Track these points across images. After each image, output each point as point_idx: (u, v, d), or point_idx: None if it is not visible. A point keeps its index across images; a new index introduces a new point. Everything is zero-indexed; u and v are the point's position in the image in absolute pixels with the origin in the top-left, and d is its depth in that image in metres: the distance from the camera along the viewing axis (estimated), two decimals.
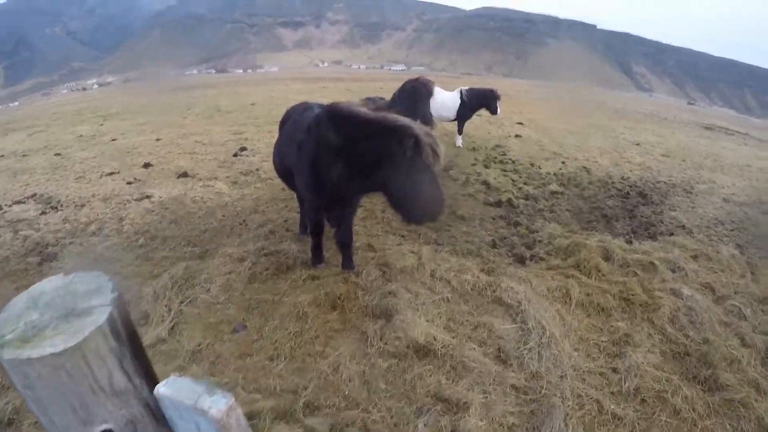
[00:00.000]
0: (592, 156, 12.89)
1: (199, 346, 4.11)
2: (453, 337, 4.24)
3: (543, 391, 3.68)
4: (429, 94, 8.18)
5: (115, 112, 22.81)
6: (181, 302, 4.76)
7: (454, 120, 12.43)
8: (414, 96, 8.03)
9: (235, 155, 11.39)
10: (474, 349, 4.08)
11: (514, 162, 11.41)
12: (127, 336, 1.24)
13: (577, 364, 4.05)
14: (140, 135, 15.06)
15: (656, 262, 5.96)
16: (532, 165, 11.22)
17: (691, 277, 5.78)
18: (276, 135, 5.89)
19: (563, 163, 11.68)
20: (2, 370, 1.10)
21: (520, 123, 18.00)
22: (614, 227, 7.53)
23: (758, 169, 13.92)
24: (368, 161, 3.93)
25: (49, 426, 1.19)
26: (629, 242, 6.83)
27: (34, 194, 8.66)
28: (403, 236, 6.54)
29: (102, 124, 18.65)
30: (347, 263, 5.40)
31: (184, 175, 9.57)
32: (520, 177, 10.11)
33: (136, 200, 8.06)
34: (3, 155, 13.19)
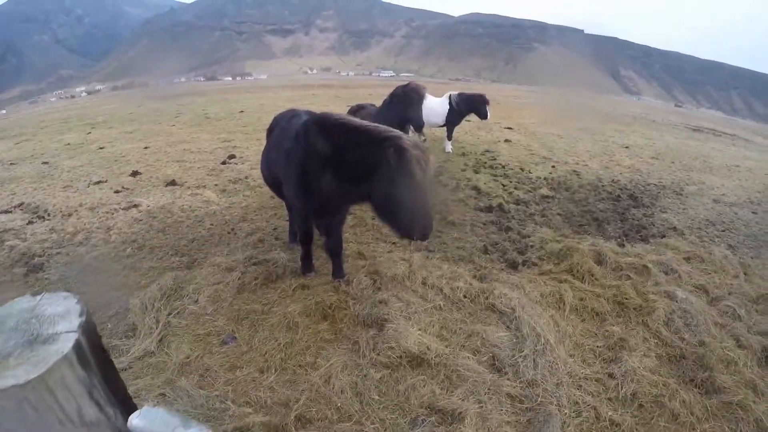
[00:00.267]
0: (581, 159, 12.90)
1: (188, 358, 4.02)
2: (446, 346, 4.17)
3: (539, 399, 3.61)
4: (420, 98, 8.14)
5: (102, 120, 22.66)
6: (169, 314, 4.67)
7: (444, 126, 12.43)
8: (405, 101, 7.98)
9: (224, 163, 11.31)
10: (468, 357, 4.01)
11: (504, 167, 11.40)
12: (97, 363, 1.15)
13: (573, 370, 4.00)
14: (128, 143, 14.93)
15: (649, 265, 5.93)
16: (522, 169, 11.21)
17: (684, 279, 5.77)
18: (264, 142, 5.82)
19: (553, 167, 11.69)
20: None
21: (509, 128, 18.05)
22: (606, 230, 7.50)
23: (746, 170, 14.02)
24: (355, 171, 3.87)
25: None
26: (621, 245, 6.81)
27: (21, 203, 8.52)
28: (393, 243, 6.47)
29: (90, 132, 18.48)
30: (337, 272, 5.33)
31: (173, 183, 9.48)
32: (511, 182, 10.08)
33: (123, 209, 7.96)
34: None
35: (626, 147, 15.95)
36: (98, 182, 9.84)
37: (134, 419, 1.19)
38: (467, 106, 12.32)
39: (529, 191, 9.45)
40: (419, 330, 4.30)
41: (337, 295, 4.95)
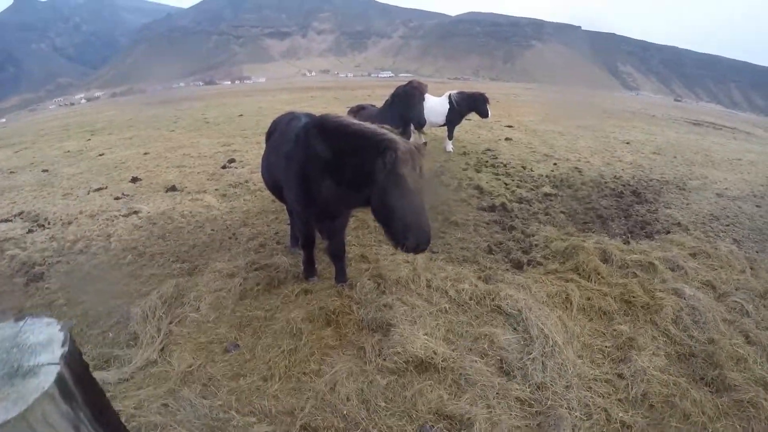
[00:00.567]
0: (583, 156, 12.86)
1: (191, 367, 3.96)
2: (453, 350, 4.11)
3: (549, 403, 3.55)
4: (422, 96, 8.07)
5: (102, 127, 22.69)
6: (171, 322, 4.62)
7: (444, 125, 12.38)
8: (407, 100, 7.90)
9: (224, 167, 11.27)
10: (475, 361, 3.95)
11: (505, 165, 11.35)
12: (83, 397, 1.09)
13: (582, 372, 3.93)
14: (128, 149, 14.92)
15: (655, 262, 5.88)
16: (524, 168, 11.17)
17: (691, 276, 5.71)
18: (264, 146, 5.76)
19: (555, 164, 11.65)
20: None
21: (510, 126, 18.04)
22: (610, 227, 7.44)
23: (748, 163, 13.96)
24: (354, 175, 3.80)
25: None
26: (626, 242, 6.76)
27: (21, 212, 8.48)
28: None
29: (89, 139, 18.48)
30: (340, 276, 5.28)
31: (173, 188, 9.44)
32: (513, 180, 10.04)
33: (123, 216, 7.91)
34: None
35: (627, 143, 15.91)
36: (98, 189, 9.80)
37: None
38: (467, 104, 12.28)
39: (532, 189, 9.40)
40: (425, 334, 4.23)
41: (341, 299, 4.88)
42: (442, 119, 12.15)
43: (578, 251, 6.04)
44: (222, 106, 31.67)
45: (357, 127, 3.89)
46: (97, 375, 3.76)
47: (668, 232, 7.28)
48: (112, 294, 5.34)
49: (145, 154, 13.74)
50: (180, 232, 7.13)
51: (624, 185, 10.04)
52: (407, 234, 3.53)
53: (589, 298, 5.08)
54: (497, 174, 10.53)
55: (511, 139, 15.02)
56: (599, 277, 5.55)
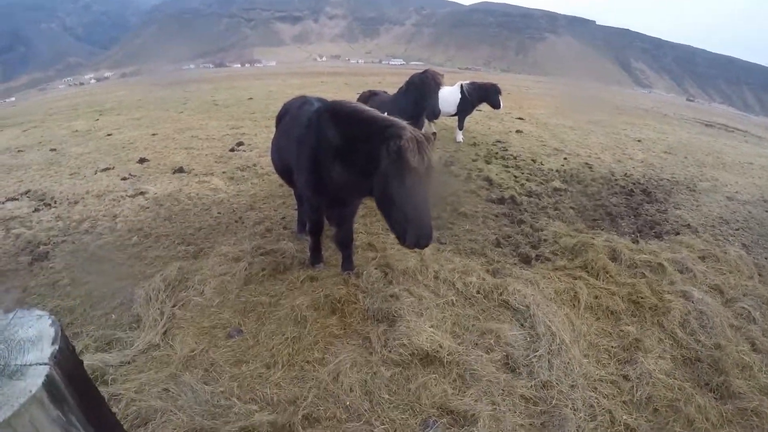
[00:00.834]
0: (593, 152, 12.75)
1: (193, 352, 3.94)
2: (459, 344, 4.08)
3: (554, 402, 3.52)
4: (438, 86, 7.93)
5: (110, 107, 22.65)
6: (174, 305, 4.60)
7: (455, 115, 12.30)
8: (422, 89, 7.78)
9: (232, 150, 11.23)
10: (481, 356, 3.91)
11: (515, 158, 11.28)
12: (76, 399, 1.02)
13: (588, 371, 3.90)
14: (136, 130, 14.90)
15: (664, 263, 5.82)
16: (534, 161, 11.09)
17: (699, 279, 5.64)
18: (273, 130, 5.71)
19: (565, 159, 11.56)
20: None
21: (521, 118, 17.92)
22: (619, 226, 7.38)
23: (760, 167, 13.79)
24: (363, 163, 3.70)
25: None
26: (636, 242, 6.69)
27: (28, 191, 8.47)
28: None
29: (98, 119, 18.46)
30: (347, 264, 5.24)
31: (180, 170, 9.41)
32: (522, 173, 9.96)
33: (130, 197, 7.90)
34: None
35: (639, 140, 15.76)
36: (105, 169, 9.79)
37: None
38: (479, 95, 12.21)
39: (542, 183, 9.33)
40: (431, 326, 4.20)
41: (347, 288, 4.85)
42: (453, 109, 12.08)
43: (587, 248, 6.00)
44: (231, 88, 31.60)
45: (368, 114, 3.83)
46: (99, 357, 3.77)
47: (677, 234, 7.20)
48: (117, 275, 5.33)
49: (153, 135, 13.72)
50: (186, 215, 7.11)
51: (634, 183, 9.95)
52: (407, 227, 3.43)
53: (596, 297, 5.03)
54: (507, 166, 10.47)
55: (521, 132, 14.92)
56: (607, 275, 5.50)
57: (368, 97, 9.23)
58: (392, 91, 9.70)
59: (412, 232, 3.42)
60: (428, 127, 12.71)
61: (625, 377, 3.91)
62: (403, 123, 3.53)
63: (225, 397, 3.43)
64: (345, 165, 3.92)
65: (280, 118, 5.50)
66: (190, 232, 6.47)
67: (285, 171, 5.12)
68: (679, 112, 37.17)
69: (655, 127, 20.79)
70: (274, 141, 5.51)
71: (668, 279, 5.54)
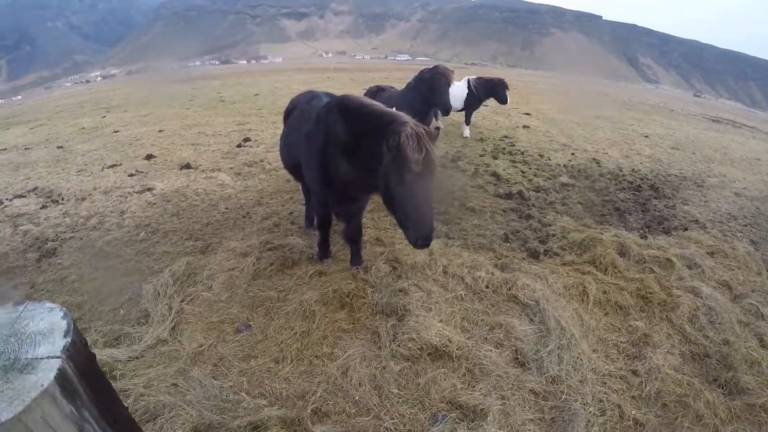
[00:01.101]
0: (601, 148, 12.71)
1: (201, 347, 3.94)
2: (468, 339, 4.06)
3: (564, 397, 3.50)
4: (449, 82, 7.84)
5: (117, 104, 22.70)
6: (183, 300, 4.60)
7: (462, 110, 12.29)
8: (431, 85, 7.71)
9: (239, 146, 11.25)
10: (491, 351, 3.90)
11: (523, 153, 11.26)
12: (88, 393, 0.99)
13: (597, 366, 3.88)
14: (143, 126, 14.94)
15: (673, 259, 5.80)
16: (542, 156, 11.06)
17: (708, 275, 5.61)
18: (280, 125, 5.70)
19: (573, 154, 11.52)
20: None
21: (528, 114, 17.88)
22: (627, 221, 7.34)
23: None
24: (368, 157, 3.63)
25: None
26: (644, 237, 6.66)
27: (36, 188, 8.50)
28: None
29: (104, 116, 18.52)
30: (355, 259, 5.24)
31: (187, 166, 9.42)
32: (530, 168, 9.94)
33: (137, 193, 7.91)
34: (5, 149, 13.05)
35: (646, 136, 15.69)
36: (112, 166, 9.81)
37: None
38: (486, 90, 12.21)
39: (549, 178, 9.30)
40: (440, 321, 4.19)
41: (355, 282, 4.84)
42: (460, 104, 12.07)
43: (595, 243, 5.98)
44: (238, 85, 31.67)
45: (373, 108, 3.80)
46: (107, 352, 3.77)
47: (686, 229, 7.17)
48: (125, 271, 5.34)
49: (160, 131, 13.75)
50: (194, 210, 7.11)
51: (642, 179, 9.90)
52: (407, 226, 3.39)
53: (605, 292, 5.01)
54: (514, 161, 10.45)
55: (528, 127, 14.90)
56: (616, 271, 5.48)
57: (375, 92, 9.14)
58: (399, 86, 9.66)
59: (412, 231, 3.37)
60: (435, 122, 12.70)
61: (634, 372, 3.90)
62: (407, 118, 3.47)
63: (234, 392, 3.43)
64: (351, 161, 3.90)
65: (288, 114, 5.48)
66: (197, 228, 6.48)
67: (294, 166, 5.11)
68: (687, 108, 36.99)
69: (663, 123, 20.71)
70: (283, 136, 5.49)
71: (677, 274, 5.52)
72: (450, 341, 3.91)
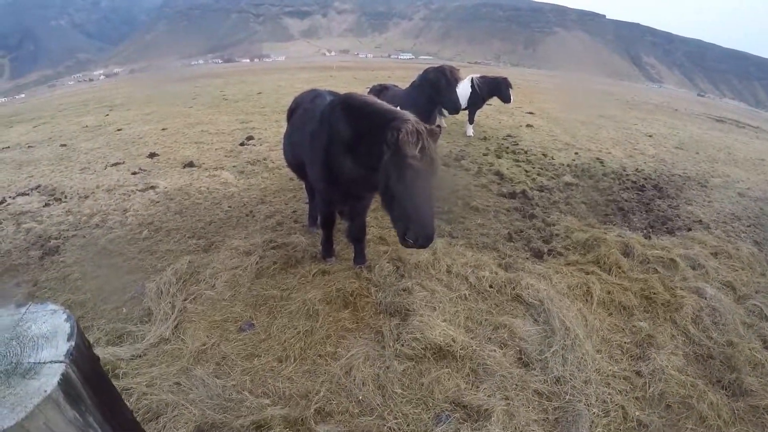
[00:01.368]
0: (604, 147, 12.69)
1: (204, 345, 3.94)
2: (472, 339, 4.05)
3: (567, 398, 3.49)
4: (456, 81, 7.76)
5: (120, 103, 22.73)
6: (186, 299, 4.59)
7: (465, 109, 12.26)
8: (437, 84, 7.64)
9: (242, 144, 11.25)
10: (495, 351, 3.89)
11: (526, 152, 11.24)
12: (93, 398, 0.97)
13: (601, 367, 3.86)
14: (146, 124, 14.95)
15: (677, 259, 5.78)
16: (545, 155, 11.04)
17: (712, 275, 5.58)
18: (283, 124, 5.69)
19: (576, 153, 11.50)
20: None
21: (531, 113, 17.86)
22: (631, 221, 7.32)
23: None
24: (370, 155, 3.58)
25: None
26: (648, 237, 6.64)
27: (39, 186, 8.52)
28: None
29: (108, 115, 18.56)
30: (359, 257, 5.23)
31: (190, 164, 9.42)
32: (533, 168, 9.92)
33: (140, 191, 7.91)
34: (8, 147, 13.08)
35: (650, 136, 15.67)
36: (115, 164, 9.82)
37: None
38: (489, 89, 12.20)
39: (553, 178, 9.28)
40: (444, 321, 4.18)
41: (359, 281, 4.83)
42: (463, 103, 12.02)
43: (599, 243, 5.96)
44: (241, 83, 31.69)
45: (376, 107, 3.79)
46: (110, 350, 3.77)
47: (689, 229, 7.14)
48: (127, 269, 5.35)
49: (163, 129, 13.76)
50: (197, 209, 7.10)
51: (646, 179, 9.88)
52: (408, 225, 3.30)
53: (609, 292, 4.99)
54: (518, 161, 10.44)
55: (532, 126, 14.89)
56: (620, 271, 5.47)
57: (380, 91, 9.10)
58: (402, 84, 9.63)
59: (411, 233, 3.29)
60: (439, 121, 12.69)
61: (638, 373, 3.89)
62: (409, 116, 3.44)
63: (237, 391, 3.43)
64: (355, 159, 3.88)
65: (292, 112, 5.48)
66: (200, 226, 6.47)
67: (297, 165, 5.10)
68: (690, 108, 36.98)
69: (666, 122, 20.70)
70: (286, 135, 5.48)
71: (681, 275, 5.50)
72: (454, 341, 3.90)
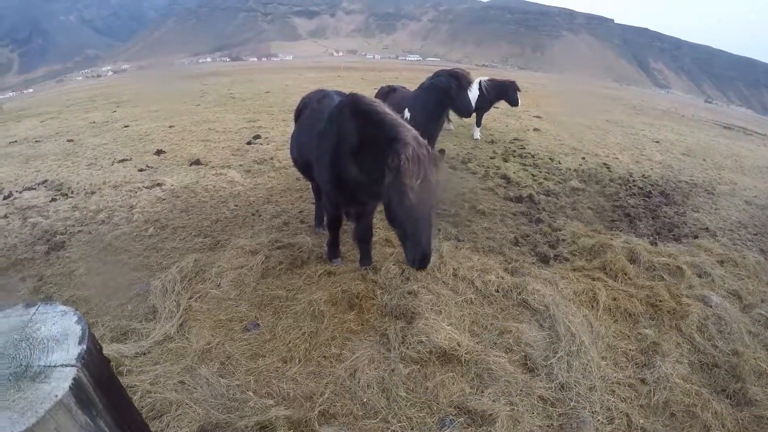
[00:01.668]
0: (611, 152, 12.67)
1: (209, 344, 3.94)
2: (478, 343, 4.04)
3: (572, 404, 3.48)
4: (468, 85, 7.69)
5: (127, 99, 22.79)
6: (191, 297, 4.60)
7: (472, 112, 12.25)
8: (447, 88, 7.57)
9: (249, 143, 11.27)
10: (500, 356, 3.88)
11: (533, 156, 11.23)
12: (104, 402, 0.95)
13: (606, 374, 3.85)
14: (153, 122, 14.99)
15: (683, 267, 5.76)
16: (552, 160, 11.04)
17: (718, 284, 5.57)
18: (290, 123, 5.69)
19: (583, 158, 11.49)
20: None
21: (538, 116, 17.86)
22: (638, 227, 7.30)
23: None
24: (372, 164, 3.64)
25: None
26: (654, 244, 6.60)
27: (45, 180, 8.55)
28: None
29: (115, 111, 18.63)
30: (365, 259, 5.22)
31: (197, 162, 9.44)
32: (540, 172, 9.91)
33: (147, 188, 7.93)
34: (15, 141, 13.15)
35: (657, 141, 15.64)
36: (122, 160, 9.85)
37: None
38: (497, 92, 12.18)
39: (559, 182, 9.28)
40: (450, 324, 4.17)
41: (365, 283, 4.82)
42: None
43: (606, 249, 5.95)
44: (248, 82, 31.77)
45: (380, 117, 3.74)
46: (114, 347, 3.77)
47: (696, 237, 7.12)
48: (133, 266, 5.37)
49: (170, 127, 13.80)
50: (203, 207, 7.12)
51: (652, 185, 9.85)
52: (406, 247, 3.44)
53: (615, 299, 4.97)
54: (525, 165, 10.43)
55: (539, 130, 14.88)
56: (626, 277, 5.44)
57: (387, 92, 9.03)
58: (410, 86, 9.60)
59: (410, 251, 3.40)
60: (447, 125, 12.69)
61: (643, 381, 3.87)
62: (410, 137, 3.41)
63: (241, 391, 3.42)
64: (359, 165, 3.89)
65: (299, 113, 5.48)
66: (206, 225, 6.48)
67: (304, 165, 5.10)
68: (698, 114, 36.90)
69: (674, 129, 20.66)
70: (294, 135, 5.48)
71: (687, 283, 5.48)
72: (459, 345, 3.89)
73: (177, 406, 3.22)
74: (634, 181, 10.01)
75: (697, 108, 53.12)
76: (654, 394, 3.70)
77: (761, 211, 8.94)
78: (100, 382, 0.93)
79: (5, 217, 6.91)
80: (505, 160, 10.59)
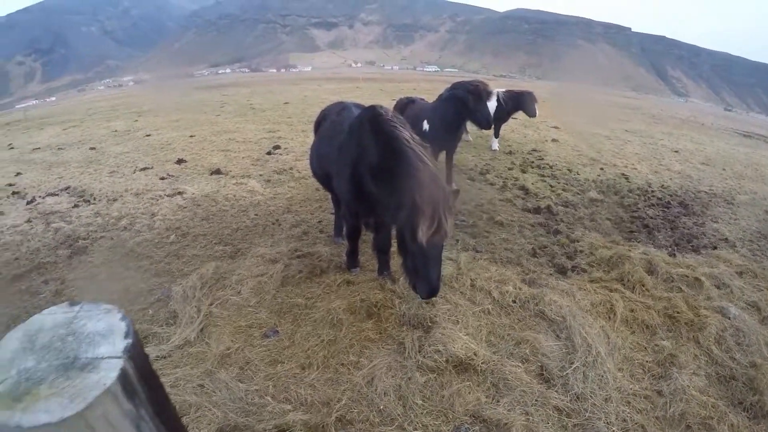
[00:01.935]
0: (630, 163, 12.59)
1: (228, 350, 4.00)
2: (494, 353, 4.05)
3: (587, 415, 3.47)
4: (488, 95, 7.69)
5: (149, 109, 23.02)
6: (211, 303, 4.67)
7: None
8: (466, 100, 7.58)
9: (269, 153, 11.37)
10: (516, 366, 3.89)
11: (551, 167, 11.20)
12: (146, 393, 1.02)
13: (622, 385, 3.83)
14: (174, 131, 15.18)
15: (702, 278, 5.69)
16: (570, 171, 11.00)
17: (737, 295, 5.50)
18: (310, 134, 5.76)
19: (601, 169, 11.42)
20: None
21: (556, 127, 17.74)
22: (656, 238, 7.24)
23: None
24: (388, 188, 3.85)
25: None
26: (672, 255, 6.55)
27: (68, 187, 8.71)
28: None
29: (137, 120, 18.86)
30: (383, 269, 5.25)
31: (217, 172, 9.54)
32: (558, 183, 9.89)
33: (168, 196, 8.04)
34: (39, 148, 13.39)
35: (676, 151, 15.49)
36: (144, 169, 9.99)
37: None
38: (515, 103, 12.16)
39: (578, 193, 9.24)
40: (467, 334, 4.19)
41: (383, 293, 4.85)
42: None
43: (624, 261, 5.90)
44: (268, 93, 31.97)
45: (403, 149, 3.81)
46: None
47: (715, 248, 7.04)
48: (154, 272, 5.45)
49: (191, 136, 13.96)
50: (223, 215, 7.21)
51: (671, 195, 9.78)
52: (416, 279, 3.70)
53: (632, 310, 4.95)
54: (543, 176, 10.42)
55: (557, 141, 14.83)
56: (644, 289, 5.41)
57: (406, 104, 9.06)
58: (428, 97, 9.64)
59: (419, 285, 3.69)
60: (465, 136, 12.71)
61: (659, 392, 3.84)
62: (425, 177, 3.57)
63: (259, 396, 3.47)
64: (376, 186, 4.00)
65: (319, 124, 5.56)
66: (227, 233, 6.57)
67: (324, 176, 5.17)
68: (717, 122, 36.52)
69: (693, 138, 20.45)
70: (314, 146, 5.54)
71: (705, 294, 5.42)
72: (476, 355, 3.90)
73: (196, 409, 3.28)
74: (652, 191, 9.95)
75: (716, 116, 52.57)
76: (670, 406, 3.66)
77: None
78: (143, 374, 0.99)
79: (28, 221, 7.06)
80: (524, 171, 10.59)
